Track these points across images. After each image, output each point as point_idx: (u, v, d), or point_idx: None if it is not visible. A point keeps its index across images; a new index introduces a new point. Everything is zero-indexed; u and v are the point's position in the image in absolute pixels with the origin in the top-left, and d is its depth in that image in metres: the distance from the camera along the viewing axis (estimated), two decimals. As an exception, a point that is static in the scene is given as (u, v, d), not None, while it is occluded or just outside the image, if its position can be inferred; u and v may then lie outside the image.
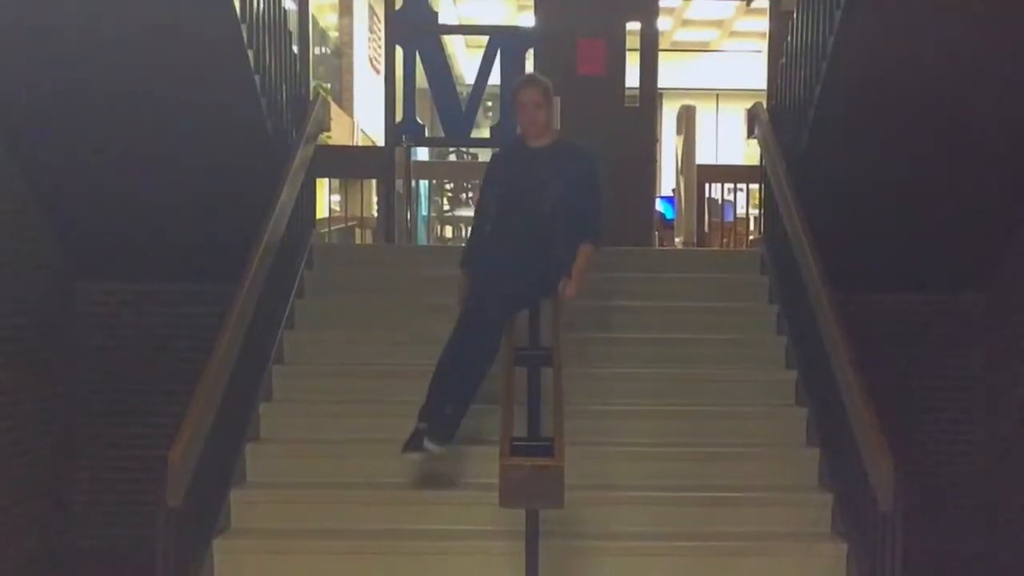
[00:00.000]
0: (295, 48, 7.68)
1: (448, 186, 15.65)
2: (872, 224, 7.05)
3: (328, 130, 7.88)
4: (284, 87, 7.07)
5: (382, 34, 11.64)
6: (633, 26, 9.79)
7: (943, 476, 7.78)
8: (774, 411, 6.28)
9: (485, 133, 10.94)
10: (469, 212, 16.54)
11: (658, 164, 11.91)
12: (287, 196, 6.51)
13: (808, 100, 6.79)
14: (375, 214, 11.03)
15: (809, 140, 6.82)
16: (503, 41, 9.51)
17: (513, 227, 5.57)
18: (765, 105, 8.11)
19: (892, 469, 4.80)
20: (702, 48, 21.83)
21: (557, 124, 6.92)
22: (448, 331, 5.47)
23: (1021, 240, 7.27)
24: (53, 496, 7.26)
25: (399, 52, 9.45)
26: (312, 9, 10.46)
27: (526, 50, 9.62)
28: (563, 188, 5.53)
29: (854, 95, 6.32)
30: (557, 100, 6.12)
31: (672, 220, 11.91)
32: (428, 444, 5.16)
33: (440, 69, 9.54)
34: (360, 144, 15.40)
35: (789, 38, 7.46)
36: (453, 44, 16.24)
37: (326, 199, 11.12)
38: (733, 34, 21.12)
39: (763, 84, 9.93)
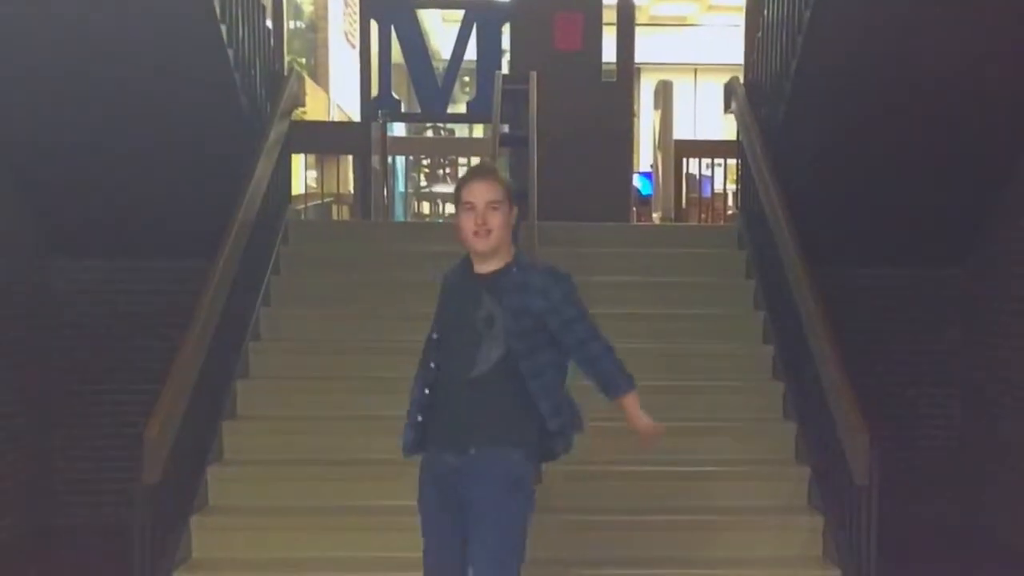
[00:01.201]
0: (269, 22, 7.62)
1: (425, 162, 15.59)
2: (849, 198, 7.05)
3: (303, 105, 7.83)
4: (258, 62, 7.01)
5: (357, 8, 11.58)
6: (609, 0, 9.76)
7: (920, 450, 7.81)
8: (752, 386, 6.30)
9: (462, 108, 10.93)
10: (447, 188, 16.51)
11: (635, 139, 11.91)
12: (262, 172, 6.47)
13: (784, 74, 6.77)
14: (352, 190, 10.99)
15: (785, 114, 6.81)
16: (479, 15, 9.49)
17: (446, 404, 3.82)
18: (742, 79, 8.10)
19: (868, 442, 4.83)
20: (680, 22, 21.78)
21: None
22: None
23: (999, 214, 7.29)
24: (30, 474, 7.22)
25: (374, 26, 9.41)
26: (287, -17, 10.39)
27: (502, 24, 9.59)
28: (519, 344, 3.75)
29: (830, 69, 6.30)
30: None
31: (649, 196, 11.93)
32: None
33: (416, 44, 9.52)
34: (336, 120, 15.33)
35: (766, 11, 7.44)
36: (429, 18, 16.16)
37: (302, 175, 11.08)
38: (712, 8, 21.08)
39: (742, 58, 9.93)
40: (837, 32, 6.09)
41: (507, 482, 3.78)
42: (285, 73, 7.71)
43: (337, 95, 16.11)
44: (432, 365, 3.86)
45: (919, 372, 7.86)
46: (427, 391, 3.85)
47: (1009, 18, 5.76)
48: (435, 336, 3.91)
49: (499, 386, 3.75)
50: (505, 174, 3.94)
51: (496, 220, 3.76)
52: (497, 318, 3.74)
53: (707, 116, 18.43)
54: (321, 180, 11.02)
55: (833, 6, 5.94)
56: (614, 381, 3.89)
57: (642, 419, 3.96)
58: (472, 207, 3.77)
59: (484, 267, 3.84)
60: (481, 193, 3.78)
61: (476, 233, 3.77)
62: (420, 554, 3.92)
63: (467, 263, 3.91)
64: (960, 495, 7.74)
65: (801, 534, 5.41)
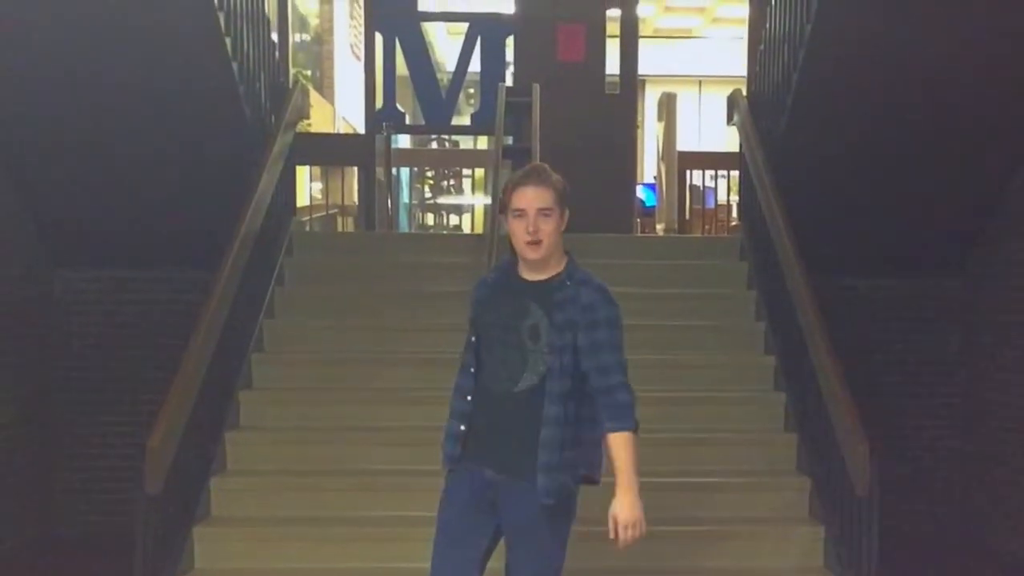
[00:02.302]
0: (274, 35, 7.65)
1: (429, 174, 15.67)
2: (849, 209, 7.07)
3: (308, 117, 7.87)
4: (263, 74, 7.04)
5: (362, 21, 11.62)
6: (613, 12, 9.80)
7: (921, 460, 7.82)
8: (753, 397, 6.30)
9: (466, 120, 10.97)
10: (450, 200, 16.59)
11: (639, 151, 11.93)
12: (266, 184, 6.50)
13: (786, 87, 6.79)
14: (356, 202, 11.03)
15: (786, 127, 6.82)
16: (483, 28, 9.54)
17: (488, 416, 3.66)
18: (745, 92, 8.13)
19: (868, 453, 4.84)
20: (685, 35, 21.86)
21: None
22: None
23: (998, 223, 7.30)
24: (32, 484, 7.25)
25: (379, 39, 9.44)
26: (292, -4, 10.44)
27: (506, 36, 9.64)
28: (567, 354, 3.57)
29: (830, 81, 6.33)
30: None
31: (653, 207, 11.96)
32: None
33: (420, 56, 9.55)
34: (341, 132, 15.39)
35: (768, 25, 7.46)
36: (434, 31, 16.22)
37: (307, 187, 11.12)
38: (716, 20, 21.15)
39: (745, 71, 9.95)
40: (837, 46, 6.12)
41: (552, 506, 3.62)
42: (290, 85, 7.76)
43: (342, 107, 16.17)
44: (472, 370, 3.71)
45: (919, 382, 7.86)
46: (469, 398, 3.69)
47: (1009, 27, 5.79)
48: (473, 339, 3.73)
49: (544, 402, 3.57)
50: (557, 175, 3.68)
51: (547, 227, 3.57)
52: (543, 332, 3.56)
53: (711, 128, 18.48)
54: (326, 192, 11.07)
55: (833, 20, 5.96)
56: (622, 413, 3.57)
57: (629, 503, 3.56)
58: (522, 214, 3.58)
59: (533, 275, 3.66)
60: (532, 199, 3.58)
61: (528, 242, 3.58)
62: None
63: (510, 267, 3.74)
64: (962, 505, 7.74)
65: (802, 544, 5.41)
